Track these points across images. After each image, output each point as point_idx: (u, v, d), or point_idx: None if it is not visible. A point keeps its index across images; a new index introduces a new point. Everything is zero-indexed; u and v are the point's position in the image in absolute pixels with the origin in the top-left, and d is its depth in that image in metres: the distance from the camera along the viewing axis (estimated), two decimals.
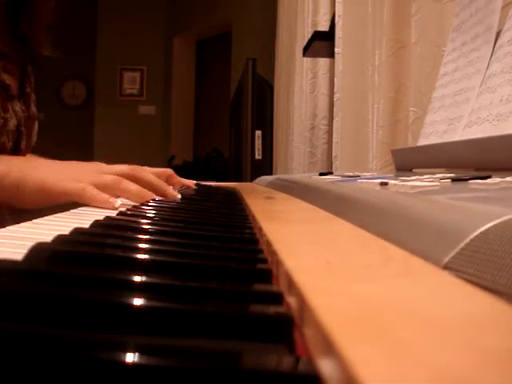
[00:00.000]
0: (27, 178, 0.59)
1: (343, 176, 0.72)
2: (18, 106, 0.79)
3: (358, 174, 0.75)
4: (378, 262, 0.22)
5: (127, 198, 0.57)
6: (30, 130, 0.85)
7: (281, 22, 2.47)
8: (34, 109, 0.87)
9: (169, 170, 0.81)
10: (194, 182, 0.92)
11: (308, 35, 1.79)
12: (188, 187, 0.86)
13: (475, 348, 0.11)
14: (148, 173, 0.64)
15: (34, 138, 0.87)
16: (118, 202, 0.55)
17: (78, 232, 0.31)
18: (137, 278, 0.20)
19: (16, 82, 0.80)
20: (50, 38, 0.85)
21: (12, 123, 0.76)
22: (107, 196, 0.55)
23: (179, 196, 0.67)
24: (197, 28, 4.44)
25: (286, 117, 2.19)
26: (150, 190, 0.61)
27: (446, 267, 0.20)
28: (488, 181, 0.39)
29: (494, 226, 0.20)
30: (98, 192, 0.56)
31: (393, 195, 0.37)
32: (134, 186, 0.58)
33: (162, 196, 0.63)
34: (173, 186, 0.80)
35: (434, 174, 0.57)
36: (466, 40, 0.81)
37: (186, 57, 4.68)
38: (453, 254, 0.20)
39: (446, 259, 0.20)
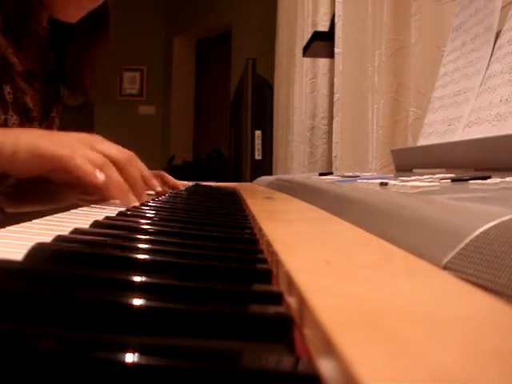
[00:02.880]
0: (22, 143, 0.59)
1: (343, 176, 0.72)
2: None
3: (357, 174, 0.75)
4: (378, 262, 0.22)
5: (105, 188, 0.56)
6: None
7: (281, 22, 2.47)
8: None
9: (162, 172, 0.82)
10: (185, 183, 0.92)
11: (308, 35, 1.79)
12: (177, 188, 0.86)
13: (475, 348, 0.11)
14: (137, 171, 0.62)
15: None
16: (102, 176, 0.54)
17: (77, 232, 0.31)
18: (137, 278, 0.20)
19: (39, 106, 0.81)
20: (92, 84, 0.86)
21: None
22: (93, 168, 0.54)
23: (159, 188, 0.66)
24: (197, 28, 4.44)
25: (285, 117, 2.19)
26: (132, 186, 0.59)
27: (445, 267, 0.20)
28: (488, 181, 0.39)
29: (494, 226, 0.20)
30: (87, 163, 0.55)
31: (393, 195, 0.37)
32: (114, 176, 0.56)
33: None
34: (167, 186, 0.81)
35: (433, 174, 0.57)
36: (466, 40, 0.81)
37: (186, 57, 4.68)
38: (453, 254, 0.20)
39: (446, 259, 0.20)
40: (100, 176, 0.54)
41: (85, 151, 0.57)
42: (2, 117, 0.72)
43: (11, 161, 0.59)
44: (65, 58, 0.83)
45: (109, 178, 0.56)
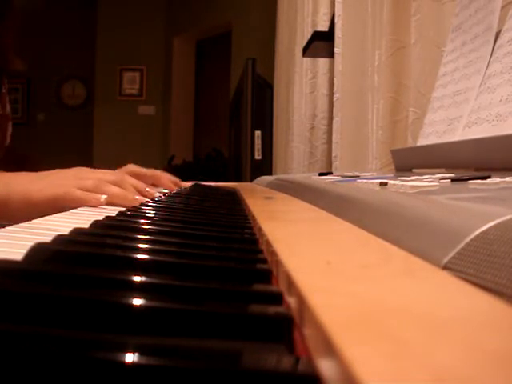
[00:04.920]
0: (12, 192, 0.59)
1: (343, 176, 0.72)
2: None
3: (357, 174, 0.75)
4: (378, 262, 0.22)
5: (110, 202, 0.57)
6: (4, 130, 0.86)
7: (281, 22, 2.47)
8: (8, 109, 0.88)
9: (159, 172, 0.83)
10: (178, 180, 0.93)
11: (308, 35, 1.79)
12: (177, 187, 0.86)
13: (475, 348, 0.11)
14: (130, 180, 0.64)
15: (8, 139, 0.88)
16: (103, 196, 0.55)
17: (77, 232, 0.31)
18: (137, 278, 0.20)
19: None
20: (17, 53, 0.87)
21: None
22: (92, 194, 0.55)
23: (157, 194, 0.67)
24: (196, 28, 4.44)
25: (285, 117, 2.19)
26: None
27: (445, 267, 0.20)
28: (488, 181, 0.39)
29: (494, 226, 0.20)
30: (83, 192, 0.56)
31: (392, 195, 0.37)
32: (114, 189, 0.58)
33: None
34: (162, 185, 0.81)
35: (433, 174, 0.57)
36: (466, 40, 0.81)
37: (185, 57, 4.68)
38: (452, 254, 0.20)
39: (446, 259, 0.20)
40: (102, 197, 0.55)
41: (78, 182, 0.58)
42: None
43: (3, 209, 0.59)
44: None
45: (110, 194, 0.57)
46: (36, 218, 0.60)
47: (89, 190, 0.57)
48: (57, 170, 0.63)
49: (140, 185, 0.66)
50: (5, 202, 0.59)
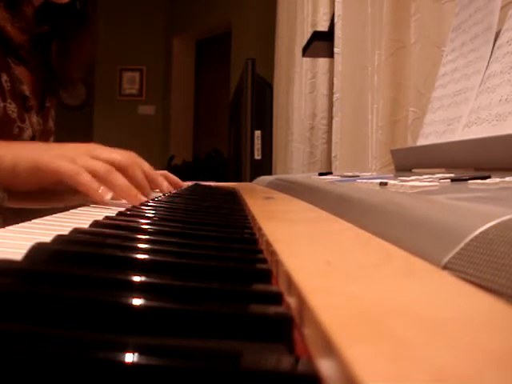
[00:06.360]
0: (22, 158, 0.58)
1: (343, 176, 0.72)
2: (34, 118, 0.80)
3: (357, 174, 0.75)
4: (378, 262, 0.22)
5: (111, 190, 0.56)
6: None
7: (280, 22, 2.47)
8: (51, 124, 0.88)
9: (165, 172, 0.82)
10: (185, 183, 0.93)
11: (307, 35, 1.79)
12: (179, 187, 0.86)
13: (475, 348, 0.11)
14: (140, 171, 0.62)
15: None
16: (109, 194, 0.54)
17: (77, 232, 0.31)
18: (136, 278, 0.20)
19: (35, 95, 0.81)
20: (81, 77, 0.86)
21: (27, 134, 0.77)
22: (98, 185, 0.54)
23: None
24: (196, 28, 4.44)
25: (285, 117, 2.19)
26: (137, 188, 0.60)
27: (445, 267, 0.20)
28: (487, 181, 0.39)
29: (494, 226, 0.20)
30: (92, 179, 0.54)
31: (392, 195, 0.37)
32: (121, 181, 0.56)
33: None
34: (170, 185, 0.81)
35: (433, 174, 0.57)
36: (466, 40, 0.81)
37: (185, 57, 4.68)
38: (452, 254, 0.20)
39: (446, 259, 0.20)
40: (105, 194, 0.54)
41: (87, 162, 0.56)
42: (1, 104, 0.72)
43: (11, 175, 0.58)
44: (48, 50, 0.83)
45: (114, 185, 0.56)
46: (43, 186, 0.60)
47: (97, 175, 0.55)
48: (71, 144, 0.61)
49: (150, 172, 0.65)
50: (13, 167, 0.58)
